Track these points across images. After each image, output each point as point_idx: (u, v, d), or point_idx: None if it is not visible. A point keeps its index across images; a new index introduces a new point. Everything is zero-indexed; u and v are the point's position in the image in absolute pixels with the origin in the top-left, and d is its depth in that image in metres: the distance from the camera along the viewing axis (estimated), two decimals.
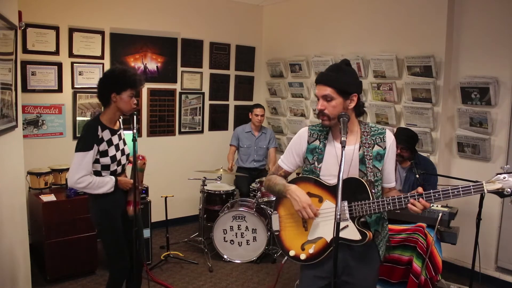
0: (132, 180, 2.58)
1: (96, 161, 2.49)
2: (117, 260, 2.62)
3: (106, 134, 2.51)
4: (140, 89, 2.66)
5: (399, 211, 2.74)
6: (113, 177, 2.54)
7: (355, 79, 1.91)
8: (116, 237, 2.59)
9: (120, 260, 2.62)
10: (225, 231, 4.09)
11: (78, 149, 2.44)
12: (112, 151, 2.54)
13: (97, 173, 2.52)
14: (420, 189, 1.79)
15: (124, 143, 2.71)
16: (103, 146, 2.50)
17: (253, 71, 5.71)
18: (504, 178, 1.64)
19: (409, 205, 1.77)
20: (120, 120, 2.68)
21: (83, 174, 2.41)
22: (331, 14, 4.76)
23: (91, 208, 2.62)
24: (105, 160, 2.51)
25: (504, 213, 3.63)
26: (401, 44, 4.04)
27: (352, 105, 1.89)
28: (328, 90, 1.85)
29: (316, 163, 1.95)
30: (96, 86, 2.57)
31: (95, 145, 2.45)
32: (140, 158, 2.68)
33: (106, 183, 2.50)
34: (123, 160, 2.67)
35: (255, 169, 4.89)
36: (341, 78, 1.86)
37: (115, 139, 2.57)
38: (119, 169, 2.63)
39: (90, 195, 2.57)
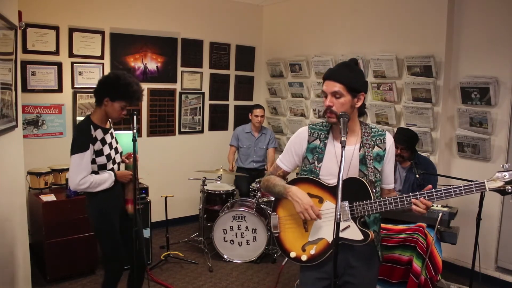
0: (130, 172, 2.62)
1: (93, 161, 2.49)
2: (112, 259, 2.63)
3: (99, 133, 2.51)
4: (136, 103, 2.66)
5: (400, 211, 2.75)
6: (111, 173, 2.56)
7: (363, 78, 1.92)
8: (112, 237, 2.59)
9: (115, 260, 2.63)
10: (225, 231, 4.09)
11: (75, 151, 2.42)
12: (106, 149, 2.55)
13: (94, 174, 2.52)
14: (429, 186, 1.78)
15: (116, 142, 2.71)
16: (98, 146, 2.50)
17: (253, 71, 5.71)
18: (505, 176, 1.64)
19: (413, 206, 1.77)
20: (110, 120, 2.68)
21: (84, 175, 2.42)
22: (331, 14, 4.76)
23: (88, 207, 2.62)
24: (101, 160, 2.52)
25: (504, 213, 3.63)
26: (401, 44, 4.04)
27: (359, 104, 1.88)
28: (337, 87, 1.83)
29: (316, 163, 1.94)
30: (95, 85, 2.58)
31: (90, 144, 2.45)
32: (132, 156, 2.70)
33: (106, 179, 2.51)
34: (118, 158, 2.68)
35: (254, 169, 4.88)
36: (351, 75, 1.85)
37: (107, 138, 2.57)
38: (115, 167, 2.65)
39: (87, 195, 2.57)
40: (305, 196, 1.88)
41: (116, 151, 2.66)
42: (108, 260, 2.66)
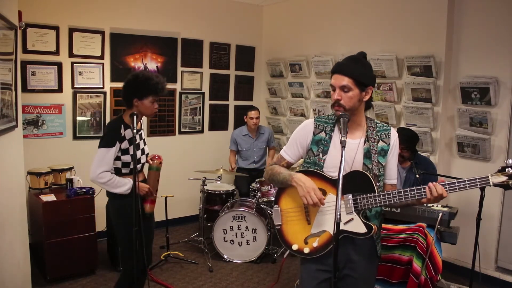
0: (148, 186, 2.70)
1: (117, 158, 2.58)
2: (128, 258, 2.66)
3: (128, 133, 2.60)
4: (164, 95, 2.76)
5: (399, 210, 2.75)
6: (131, 180, 2.59)
7: (371, 72, 1.92)
8: (129, 234, 2.59)
9: (131, 258, 2.63)
10: (225, 231, 4.09)
11: (102, 145, 2.53)
12: (133, 149, 2.60)
13: (117, 170, 2.60)
14: (442, 179, 1.81)
15: (144, 143, 2.80)
16: (125, 144, 2.58)
17: (253, 71, 5.71)
18: (509, 171, 1.65)
19: (427, 189, 1.78)
20: (141, 121, 2.77)
21: (104, 169, 2.50)
22: (331, 14, 4.76)
23: (110, 205, 2.69)
24: (126, 158, 2.60)
25: (504, 213, 3.63)
26: (401, 44, 4.04)
27: (367, 97, 1.89)
28: (346, 80, 1.84)
29: (320, 155, 1.95)
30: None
31: (117, 142, 2.54)
32: (156, 157, 2.82)
33: (124, 184, 2.58)
34: (143, 159, 2.76)
35: (254, 169, 4.88)
36: (360, 69, 1.86)
37: (136, 138, 2.63)
38: (139, 167, 2.71)
39: (109, 193, 2.64)
40: (308, 180, 1.88)
41: (143, 152, 2.75)
42: (124, 259, 2.71)
